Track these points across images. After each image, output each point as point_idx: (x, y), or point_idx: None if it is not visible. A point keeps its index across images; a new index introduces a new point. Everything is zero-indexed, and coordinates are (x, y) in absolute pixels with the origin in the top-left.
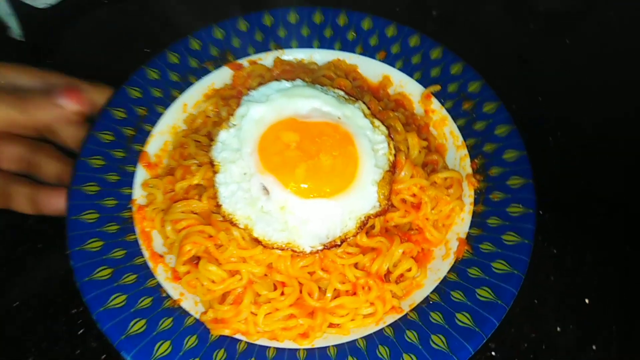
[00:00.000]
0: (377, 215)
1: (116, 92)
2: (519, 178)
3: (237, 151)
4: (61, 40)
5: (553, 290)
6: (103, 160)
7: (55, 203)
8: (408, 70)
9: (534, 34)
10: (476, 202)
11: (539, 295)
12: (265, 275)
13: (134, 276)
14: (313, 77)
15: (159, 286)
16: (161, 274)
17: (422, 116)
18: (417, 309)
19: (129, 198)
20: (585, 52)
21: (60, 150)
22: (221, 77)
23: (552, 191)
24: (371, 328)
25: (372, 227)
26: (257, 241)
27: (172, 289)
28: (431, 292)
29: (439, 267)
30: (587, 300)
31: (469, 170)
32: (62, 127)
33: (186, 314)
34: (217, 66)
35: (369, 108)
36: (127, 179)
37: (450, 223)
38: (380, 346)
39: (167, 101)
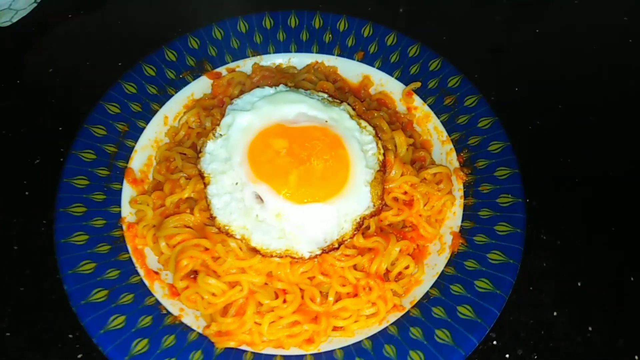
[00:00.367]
0: (372, 215)
1: (94, 109)
2: (505, 169)
3: (226, 161)
4: (28, 58)
5: (545, 276)
6: (87, 180)
7: None
8: (387, 68)
9: (502, 25)
10: (466, 195)
11: (533, 282)
12: (266, 284)
13: (131, 295)
14: (294, 81)
15: (157, 303)
16: (158, 291)
17: (405, 114)
18: (419, 305)
19: (117, 217)
20: (554, 40)
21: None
22: (200, 87)
23: (535, 178)
24: (375, 328)
25: (368, 227)
26: (255, 250)
27: (171, 306)
28: (431, 288)
29: (436, 262)
30: (579, 284)
31: (456, 164)
32: None
33: (188, 329)
34: (195, 76)
35: (354, 109)
36: (114, 197)
37: (443, 218)
38: (386, 345)
39: (147, 115)
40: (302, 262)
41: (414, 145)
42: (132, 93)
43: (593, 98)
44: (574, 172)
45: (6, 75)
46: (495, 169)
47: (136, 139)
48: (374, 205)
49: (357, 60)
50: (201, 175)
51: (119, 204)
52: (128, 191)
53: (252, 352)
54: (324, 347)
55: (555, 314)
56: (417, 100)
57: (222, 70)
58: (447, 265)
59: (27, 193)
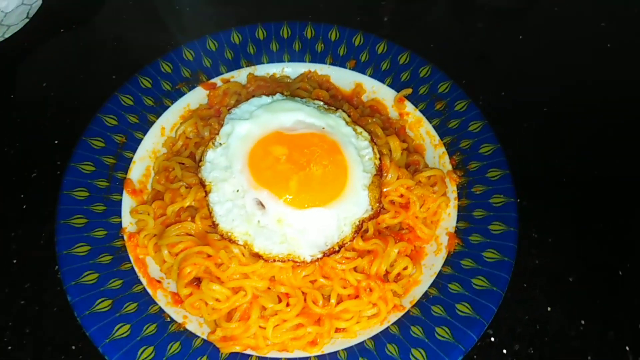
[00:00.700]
0: (370, 218)
1: (92, 122)
2: (496, 170)
3: (227, 169)
4: (21, 73)
5: (538, 272)
6: (87, 192)
7: None
8: (379, 76)
9: (484, 31)
10: (460, 196)
11: (526, 279)
12: (269, 288)
13: (135, 304)
14: (290, 90)
15: (161, 311)
16: (162, 300)
17: (397, 119)
18: (419, 304)
19: (118, 227)
20: (536, 45)
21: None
22: (196, 97)
23: (524, 179)
24: (377, 328)
25: (366, 230)
26: (257, 256)
27: (175, 313)
28: (429, 287)
29: (433, 263)
30: (570, 279)
31: (449, 166)
32: None
33: (193, 336)
34: (191, 87)
35: (349, 116)
36: (114, 208)
37: (438, 219)
38: (388, 344)
39: (144, 126)
40: (304, 265)
41: (408, 150)
42: (129, 105)
43: (576, 101)
44: (561, 172)
45: (0, 91)
46: (486, 171)
47: (134, 150)
48: (372, 208)
49: (349, 69)
50: (202, 184)
51: (119, 215)
52: (128, 202)
53: (256, 356)
54: (327, 348)
55: (549, 309)
56: (408, 106)
57: (217, 80)
58: (444, 265)
59: (24, 207)
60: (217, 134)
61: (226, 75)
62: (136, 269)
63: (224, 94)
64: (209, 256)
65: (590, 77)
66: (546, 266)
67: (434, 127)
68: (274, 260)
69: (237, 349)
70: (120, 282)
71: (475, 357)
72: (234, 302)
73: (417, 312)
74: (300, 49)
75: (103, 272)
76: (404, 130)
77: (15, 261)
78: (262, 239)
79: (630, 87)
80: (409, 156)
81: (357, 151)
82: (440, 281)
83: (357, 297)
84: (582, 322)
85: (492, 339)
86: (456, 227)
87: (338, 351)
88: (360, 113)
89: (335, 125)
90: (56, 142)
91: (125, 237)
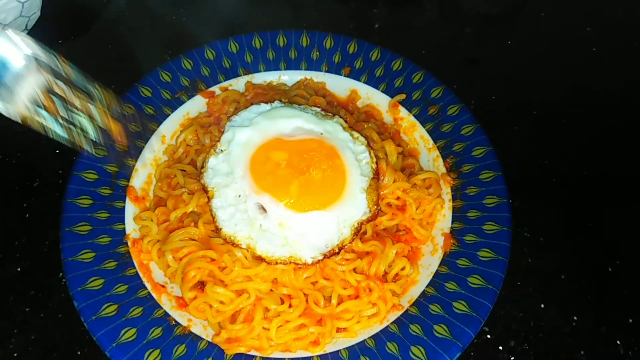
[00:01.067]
0: (368, 220)
1: None
2: (489, 172)
3: (228, 175)
4: None
5: (531, 271)
6: (90, 199)
7: None
8: (373, 82)
9: (473, 37)
10: (454, 198)
11: (520, 277)
12: (271, 290)
13: (140, 309)
14: (288, 97)
15: (166, 315)
16: (166, 304)
17: (392, 124)
18: (417, 303)
19: (122, 234)
20: (525, 50)
21: None
22: (195, 105)
23: (516, 180)
24: (376, 327)
25: (364, 232)
26: (260, 259)
27: (180, 317)
28: (427, 287)
29: (430, 263)
30: (562, 277)
31: (443, 169)
32: None
33: (198, 338)
34: (190, 95)
35: (346, 121)
36: (118, 215)
37: (434, 220)
38: (388, 343)
39: (145, 135)
40: (306, 267)
41: (403, 154)
42: (130, 114)
43: (564, 103)
44: (552, 173)
45: None
46: (480, 173)
47: (136, 158)
48: (371, 211)
49: (344, 76)
50: (205, 190)
51: (122, 222)
52: (131, 209)
53: (260, 357)
54: (329, 348)
55: (542, 306)
56: (402, 111)
57: (216, 89)
58: (440, 264)
59: (27, 215)
60: (218, 141)
61: (224, 84)
62: (140, 274)
63: (223, 102)
64: (213, 260)
65: (577, 80)
66: (539, 265)
67: (427, 131)
68: (276, 263)
69: (242, 350)
70: (126, 288)
71: (472, 354)
72: (237, 304)
73: (416, 310)
74: (296, 57)
75: (108, 277)
76: (398, 135)
77: (19, 269)
78: (265, 242)
79: (616, 90)
80: (404, 160)
81: (355, 155)
82: (437, 280)
83: (357, 297)
84: (575, 318)
85: (489, 335)
86: (451, 227)
87: (340, 350)
88: (356, 119)
89: (333, 130)
90: (57, 151)
91: (129, 244)
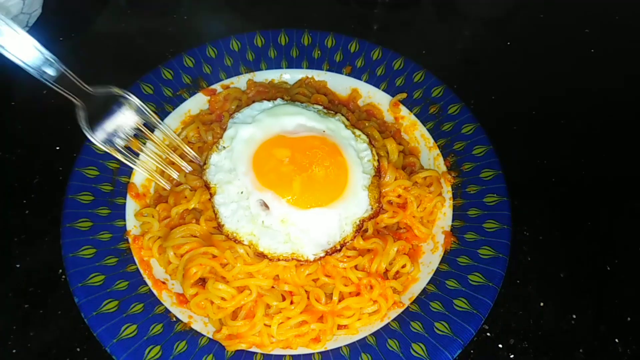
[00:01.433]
0: (370, 218)
1: None
2: (489, 170)
3: (231, 171)
4: (21, 80)
5: (530, 269)
6: (91, 196)
7: None
8: (374, 81)
9: (472, 39)
10: (455, 196)
11: (519, 276)
12: (273, 287)
13: (141, 305)
14: (290, 95)
15: (167, 312)
16: (167, 300)
17: (392, 123)
18: (417, 301)
19: (123, 230)
20: (524, 52)
21: None
22: (197, 103)
23: (515, 179)
24: (377, 325)
25: (366, 230)
26: (262, 255)
27: (180, 313)
28: (427, 284)
29: (430, 260)
30: (561, 275)
31: (444, 168)
32: None
33: (199, 335)
34: (192, 93)
35: (348, 119)
36: (118, 212)
37: (434, 218)
38: (389, 340)
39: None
40: (307, 264)
41: (404, 152)
42: None
43: (563, 103)
44: (551, 172)
45: (1, 98)
46: (480, 171)
47: (137, 155)
48: (372, 208)
49: (346, 75)
50: (207, 186)
51: (123, 218)
52: (131, 205)
53: (261, 354)
54: (330, 345)
55: (541, 304)
56: (403, 110)
57: (217, 87)
58: (441, 262)
59: (27, 212)
60: (221, 137)
61: (226, 82)
62: (141, 271)
63: (224, 99)
64: (214, 257)
65: (576, 81)
66: (538, 263)
67: (428, 130)
68: (279, 260)
69: (243, 346)
70: (126, 284)
71: (472, 351)
72: (239, 301)
73: (417, 308)
74: (297, 56)
75: (109, 274)
76: (399, 134)
77: (18, 265)
78: (267, 239)
79: (615, 90)
80: (405, 158)
81: (357, 153)
82: (437, 278)
83: (358, 294)
84: (574, 316)
85: (488, 333)
86: (452, 225)
87: (340, 347)
88: (357, 117)
89: (335, 128)
90: (57, 148)
91: (130, 240)
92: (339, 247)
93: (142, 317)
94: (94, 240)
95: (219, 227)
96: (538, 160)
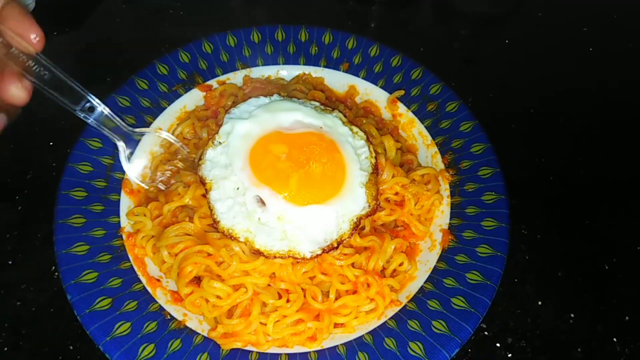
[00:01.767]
0: (367, 215)
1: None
2: (488, 168)
3: (227, 167)
4: None
5: (528, 268)
6: (85, 192)
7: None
8: (372, 78)
9: (469, 38)
10: (453, 194)
11: (517, 274)
12: (269, 285)
13: (135, 303)
14: (287, 91)
15: (161, 309)
16: (161, 298)
17: (390, 120)
18: (415, 299)
19: (117, 226)
20: (521, 51)
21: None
22: (192, 99)
23: (513, 178)
24: (374, 323)
25: (363, 228)
26: (258, 253)
27: (175, 311)
28: (425, 282)
29: (428, 259)
30: (559, 274)
31: (442, 165)
32: None
33: (194, 333)
34: (187, 89)
35: (345, 116)
36: (112, 208)
37: (432, 216)
38: (386, 338)
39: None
40: (304, 262)
41: (401, 150)
42: (126, 106)
43: (561, 102)
44: (549, 171)
45: None
46: (478, 169)
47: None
48: (370, 206)
49: (343, 71)
50: (202, 182)
51: (117, 215)
52: (126, 202)
53: (257, 352)
54: (326, 343)
55: (539, 303)
56: (401, 108)
57: (213, 82)
58: (438, 260)
59: (19, 208)
60: (217, 133)
61: (222, 77)
62: (135, 268)
63: (220, 95)
64: (210, 255)
65: (574, 80)
66: (536, 262)
67: (426, 127)
68: (275, 257)
69: (238, 345)
70: (120, 281)
71: (470, 350)
72: (235, 299)
73: (414, 306)
74: (294, 52)
75: (102, 271)
76: (397, 131)
77: (10, 262)
78: (263, 236)
79: (613, 90)
80: (403, 155)
81: (354, 150)
82: (435, 276)
83: (355, 292)
84: (572, 315)
85: (486, 332)
86: (450, 223)
87: (337, 346)
88: (355, 114)
89: (333, 124)
90: (51, 143)
91: (124, 237)
92: (335, 245)
93: (136, 315)
94: (88, 237)
95: (215, 224)
96: (536, 159)
